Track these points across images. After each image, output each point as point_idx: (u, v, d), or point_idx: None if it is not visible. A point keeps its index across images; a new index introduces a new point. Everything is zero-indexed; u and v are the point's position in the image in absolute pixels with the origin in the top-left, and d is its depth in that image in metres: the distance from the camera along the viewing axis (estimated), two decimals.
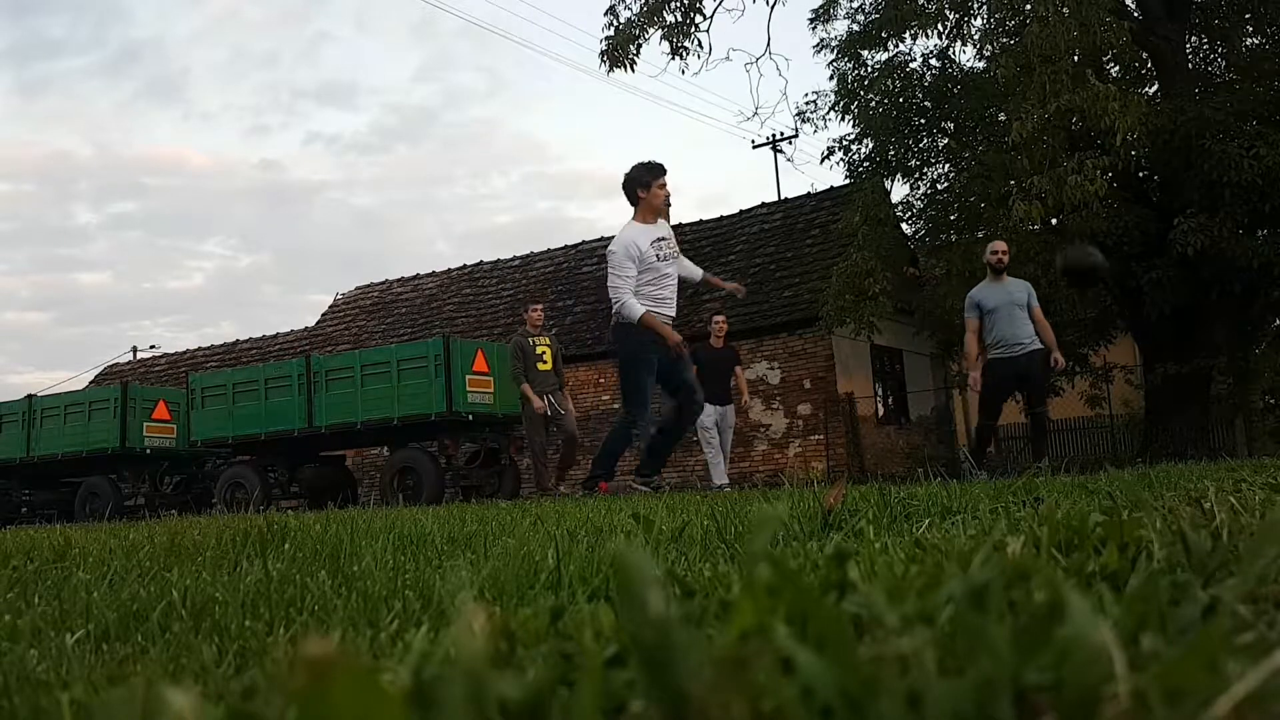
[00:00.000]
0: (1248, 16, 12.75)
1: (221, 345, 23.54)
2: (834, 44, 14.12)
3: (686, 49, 13.32)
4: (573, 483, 8.61)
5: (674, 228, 20.44)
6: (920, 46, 13.80)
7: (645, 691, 0.49)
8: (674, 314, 6.17)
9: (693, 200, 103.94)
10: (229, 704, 0.59)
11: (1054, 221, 11.56)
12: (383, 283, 22.48)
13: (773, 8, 14.03)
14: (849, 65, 13.88)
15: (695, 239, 18.33)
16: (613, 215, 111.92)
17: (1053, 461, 6.74)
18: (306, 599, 1.43)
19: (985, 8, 12.04)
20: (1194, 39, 13.27)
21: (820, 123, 15.20)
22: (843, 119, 13.89)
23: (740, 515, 2.29)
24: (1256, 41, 12.91)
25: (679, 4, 13.13)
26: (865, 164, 14.18)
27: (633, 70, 13.01)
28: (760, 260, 16.82)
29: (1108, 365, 14.04)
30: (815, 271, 15.42)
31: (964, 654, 0.51)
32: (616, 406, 16.53)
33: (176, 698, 0.49)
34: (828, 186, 18.03)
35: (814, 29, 14.42)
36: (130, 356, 28.34)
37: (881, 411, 16.67)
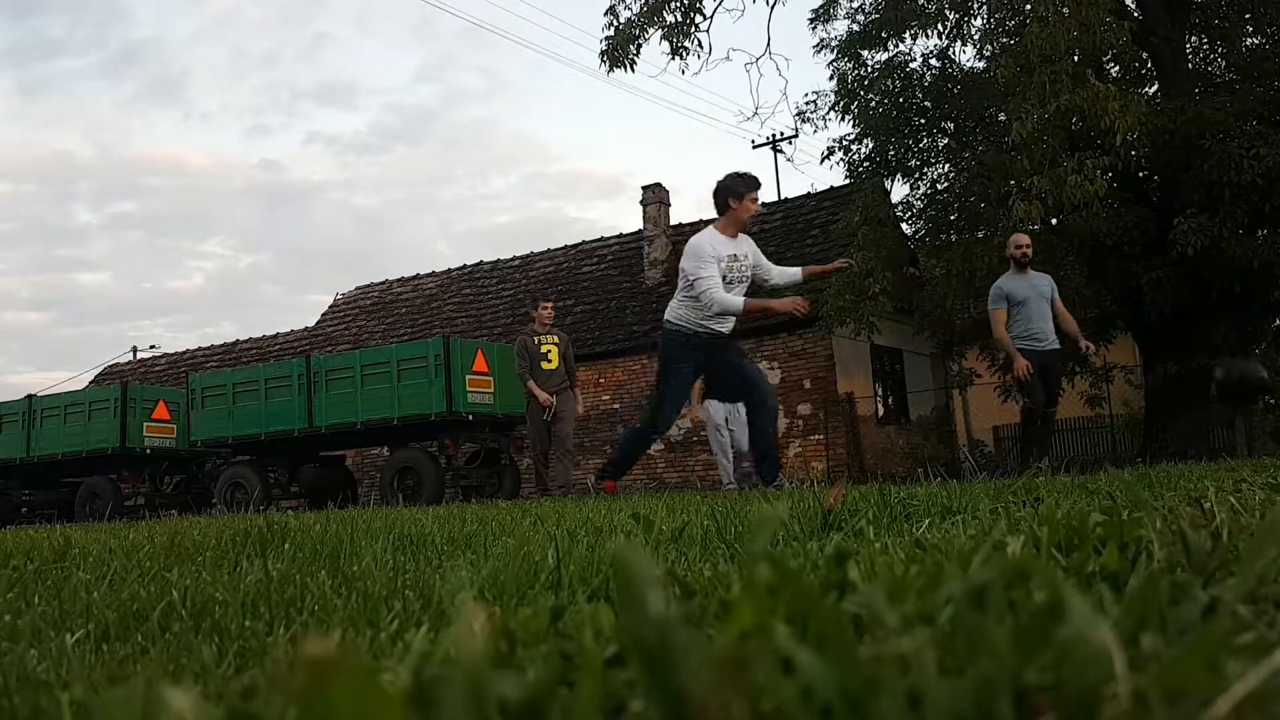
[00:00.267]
0: (1248, 16, 12.74)
1: (221, 345, 23.54)
2: (834, 44, 14.11)
3: (686, 49, 13.31)
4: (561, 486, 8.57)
5: (674, 228, 20.46)
6: (920, 46, 13.80)
7: (645, 691, 0.49)
8: (711, 330, 5.77)
9: (693, 200, 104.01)
10: (229, 704, 0.59)
11: (1054, 221, 11.57)
12: (383, 283, 22.48)
13: (773, 8, 14.03)
14: (849, 65, 13.88)
15: None
16: (613, 215, 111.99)
17: (1053, 461, 6.71)
18: (306, 599, 1.43)
19: (985, 8, 12.04)
20: (1194, 39, 13.26)
21: (820, 123, 15.20)
22: (843, 119, 13.88)
23: (740, 515, 2.29)
24: (1256, 41, 12.91)
25: (679, 4, 13.12)
26: (865, 164, 14.17)
27: (633, 70, 13.01)
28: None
29: (1108, 365, 14.02)
30: None
31: (964, 654, 0.51)
32: (617, 407, 16.56)
33: (176, 698, 0.49)
34: (828, 186, 18.05)
35: (814, 29, 14.43)
36: (130, 356, 28.34)
37: (881, 411, 16.67)
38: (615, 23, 13.02)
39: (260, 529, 2.71)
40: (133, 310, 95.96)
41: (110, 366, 26.02)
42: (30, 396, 14.60)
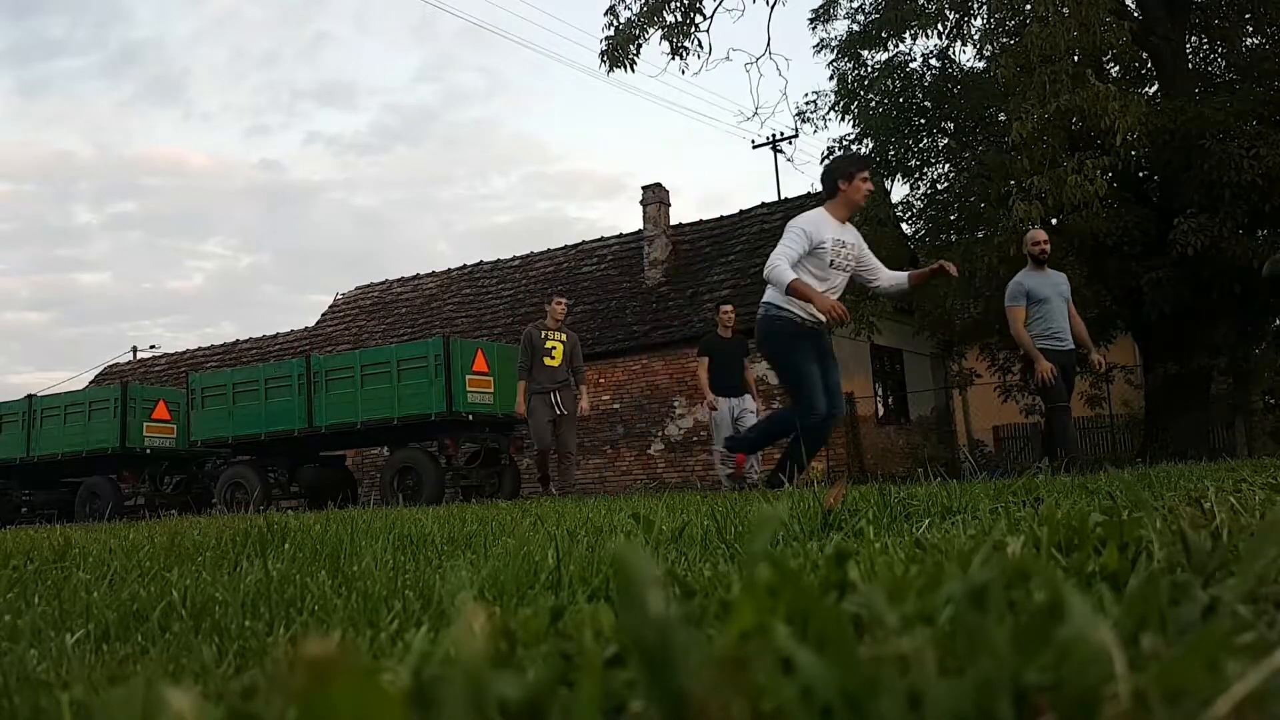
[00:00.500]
0: (1248, 16, 12.75)
1: (221, 345, 23.54)
2: (834, 44, 14.13)
3: (686, 49, 13.32)
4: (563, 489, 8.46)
5: (674, 228, 20.47)
6: (920, 46, 13.82)
7: (645, 691, 0.49)
8: (817, 319, 5.36)
9: (693, 200, 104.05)
10: (229, 704, 0.59)
11: (1054, 221, 11.56)
12: (383, 283, 22.48)
13: (773, 8, 14.03)
14: (849, 65, 13.89)
15: (695, 239, 18.34)
16: (613, 215, 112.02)
17: (1054, 461, 6.63)
18: (306, 599, 1.43)
19: (985, 8, 12.04)
20: (1194, 39, 13.26)
21: (820, 123, 15.23)
22: (843, 119, 13.90)
23: (740, 515, 2.29)
24: (1256, 41, 12.91)
25: (679, 4, 13.12)
26: None
27: (633, 70, 13.01)
28: (760, 260, 16.72)
29: (1108, 365, 14.03)
30: None
31: (964, 654, 0.51)
32: (617, 407, 16.56)
33: (176, 698, 0.49)
34: None
35: (814, 29, 14.44)
36: (130, 356, 28.34)
37: (881, 411, 16.68)
38: (615, 23, 13.03)
39: (260, 529, 2.71)
40: (133, 310, 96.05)
41: (110, 366, 26.03)
42: (30, 396, 14.60)
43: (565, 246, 20.18)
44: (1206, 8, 12.88)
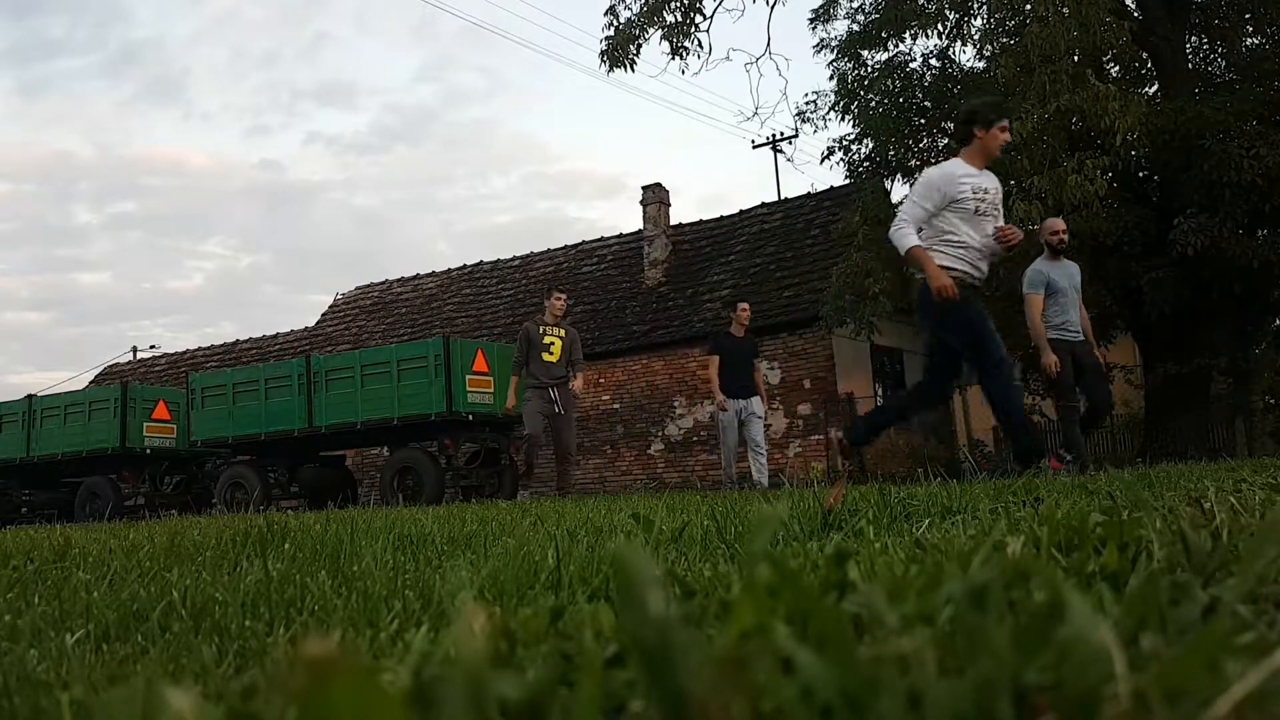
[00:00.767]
0: (1248, 16, 12.74)
1: (221, 345, 23.54)
2: (834, 44, 14.11)
3: (686, 49, 13.32)
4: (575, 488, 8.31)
5: (674, 228, 20.47)
6: (920, 46, 13.79)
7: (645, 691, 0.49)
8: (981, 275, 5.14)
9: (693, 200, 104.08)
10: (229, 704, 0.59)
11: None
12: (383, 283, 22.48)
13: (773, 8, 14.04)
14: (849, 65, 13.88)
15: (695, 239, 18.34)
16: (613, 215, 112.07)
17: (1080, 457, 6.42)
18: (306, 599, 1.43)
19: (985, 8, 12.04)
20: (1194, 39, 13.26)
21: (820, 123, 15.19)
22: (843, 119, 13.88)
23: (740, 515, 2.29)
24: (1256, 41, 12.91)
25: (679, 4, 13.12)
26: (865, 164, 14.17)
27: (633, 70, 13.02)
28: (760, 260, 16.83)
29: (1108, 365, 14.03)
30: (815, 272, 15.43)
31: (964, 654, 0.51)
32: (617, 407, 16.58)
33: (176, 698, 0.49)
34: (828, 186, 18.06)
35: (814, 29, 14.42)
36: (130, 356, 28.35)
37: None
38: (615, 23, 13.03)
39: (260, 529, 2.71)
40: (133, 310, 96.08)
41: (110, 366, 26.03)
42: (30, 396, 14.61)
43: (565, 246, 20.19)
44: (1206, 8, 12.87)
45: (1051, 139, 10.07)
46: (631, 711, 0.52)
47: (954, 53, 13.73)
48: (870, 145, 13.96)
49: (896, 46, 13.41)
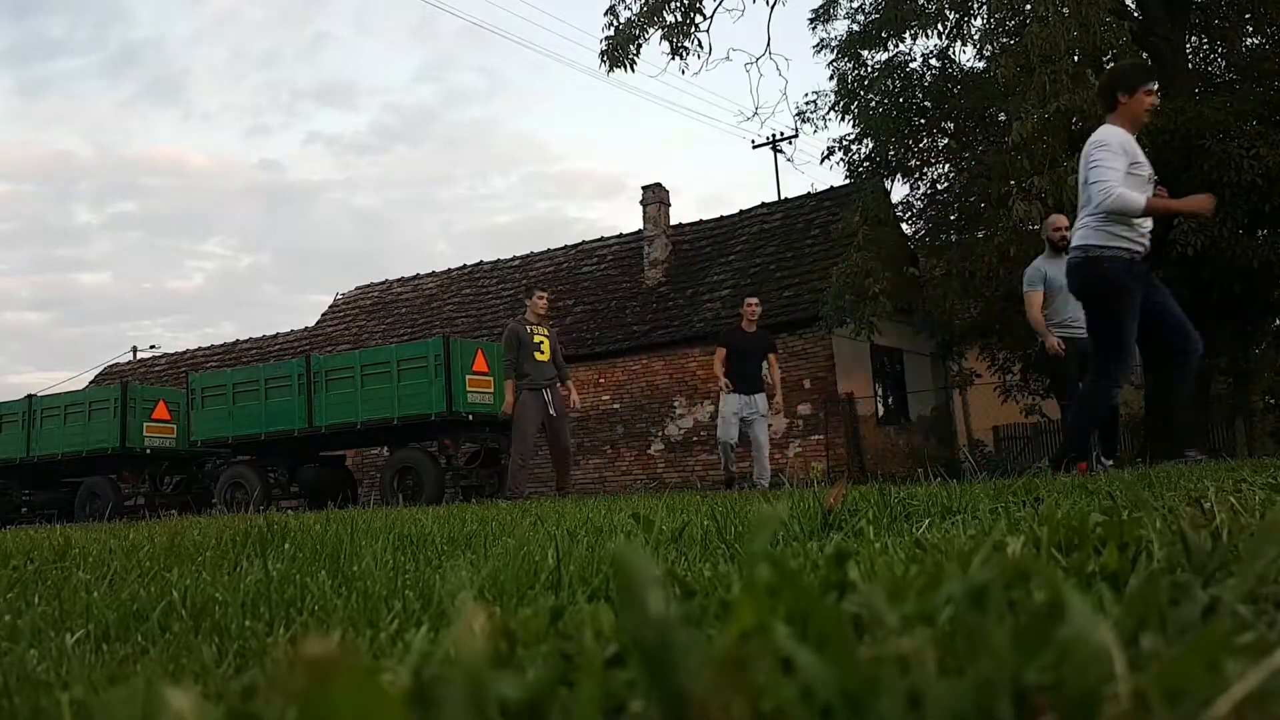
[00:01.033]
0: (1248, 16, 12.75)
1: (221, 345, 23.54)
2: (834, 44, 14.12)
3: (686, 49, 13.33)
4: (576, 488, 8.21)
5: (674, 228, 20.47)
6: (920, 46, 13.81)
7: (645, 691, 0.49)
8: (1147, 247, 4.80)
9: (693, 200, 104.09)
10: (229, 704, 0.59)
11: None
12: (383, 283, 22.48)
13: (773, 8, 14.05)
14: (849, 65, 13.88)
15: (695, 239, 18.34)
16: (613, 215, 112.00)
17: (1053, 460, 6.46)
18: (306, 599, 1.43)
19: (985, 8, 12.05)
20: (1194, 39, 13.27)
21: (820, 123, 15.22)
22: (843, 119, 13.89)
23: (740, 515, 2.29)
24: (1256, 41, 12.92)
25: (679, 4, 13.13)
26: (865, 164, 14.18)
27: (633, 70, 13.04)
28: (760, 260, 16.83)
29: None
30: (815, 271, 15.43)
31: (964, 654, 0.51)
32: (617, 407, 16.57)
33: (176, 698, 0.49)
34: (828, 186, 18.06)
35: (814, 29, 14.44)
36: (130, 356, 28.34)
37: (881, 411, 16.67)
38: (615, 23, 13.04)
39: (260, 529, 2.71)
40: (133, 310, 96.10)
41: (110, 366, 26.02)
42: (30, 396, 14.61)
43: (565, 246, 20.18)
44: (1206, 8, 12.88)
45: (1052, 139, 10.08)
46: (631, 711, 0.52)
47: (954, 53, 13.75)
48: (870, 145, 13.97)
49: (896, 46, 13.43)
